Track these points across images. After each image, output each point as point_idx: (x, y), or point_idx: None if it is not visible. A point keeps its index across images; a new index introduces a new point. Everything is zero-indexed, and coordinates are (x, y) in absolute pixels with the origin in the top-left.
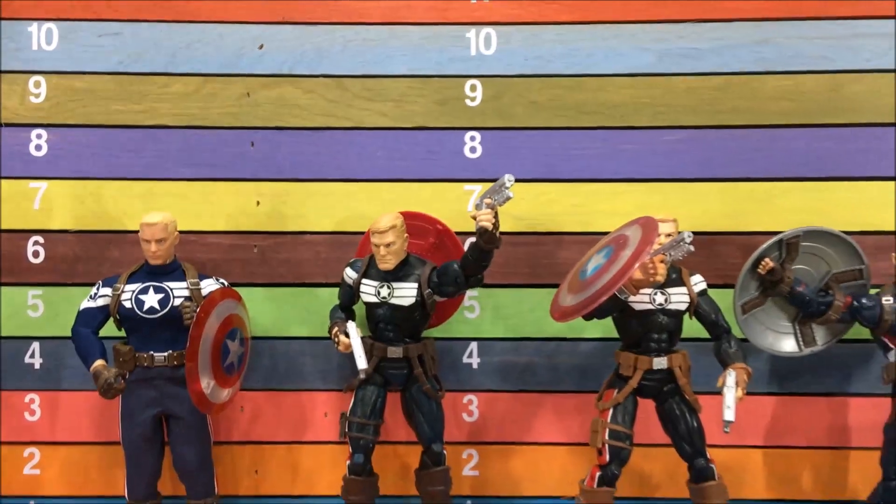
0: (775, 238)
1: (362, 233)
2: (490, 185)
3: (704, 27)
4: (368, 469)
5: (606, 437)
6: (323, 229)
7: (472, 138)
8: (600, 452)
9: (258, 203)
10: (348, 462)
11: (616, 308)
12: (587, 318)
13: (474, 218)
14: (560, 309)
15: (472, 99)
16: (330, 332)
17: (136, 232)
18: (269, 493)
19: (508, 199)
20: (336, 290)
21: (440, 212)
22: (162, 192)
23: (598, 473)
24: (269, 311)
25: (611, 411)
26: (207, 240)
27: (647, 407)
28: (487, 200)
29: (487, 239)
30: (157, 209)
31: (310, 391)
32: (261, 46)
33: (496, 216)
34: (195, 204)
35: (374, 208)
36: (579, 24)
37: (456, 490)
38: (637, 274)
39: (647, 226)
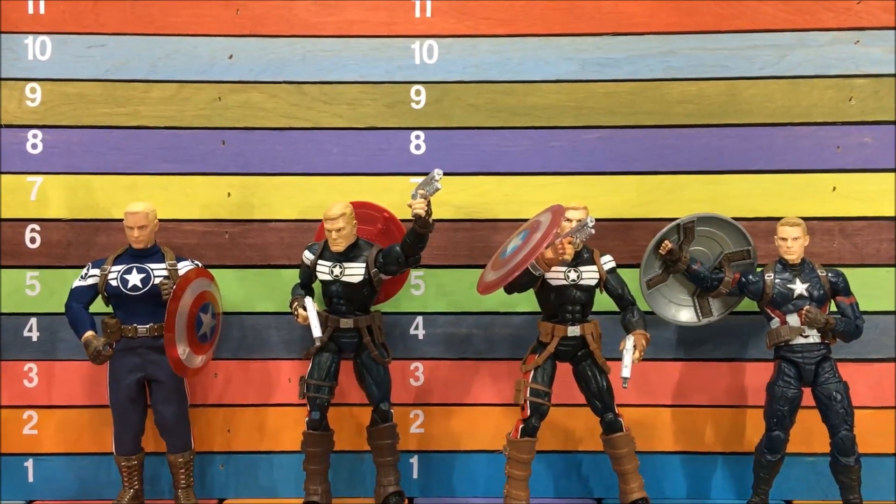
0: (673, 223)
1: (320, 220)
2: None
3: (619, 39)
4: (324, 425)
5: (528, 395)
6: (286, 217)
7: (417, 137)
8: (523, 408)
9: (229, 194)
10: (307, 419)
11: (532, 282)
12: (509, 291)
13: (410, 206)
14: (483, 283)
15: (417, 102)
16: (291, 306)
17: (122, 220)
18: (240, 450)
19: (437, 189)
20: (297, 270)
21: (389, 202)
22: (144, 185)
23: (521, 426)
24: (238, 290)
25: (532, 372)
26: (184, 227)
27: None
28: (421, 191)
29: (421, 224)
30: (139, 200)
31: (275, 360)
32: (230, 56)
33: (428, 204)
34: (173, 195)
35: (330, 199)
36: (511, 37)
37: (404, 445)
38: (548, 253)
39: (557, 212)
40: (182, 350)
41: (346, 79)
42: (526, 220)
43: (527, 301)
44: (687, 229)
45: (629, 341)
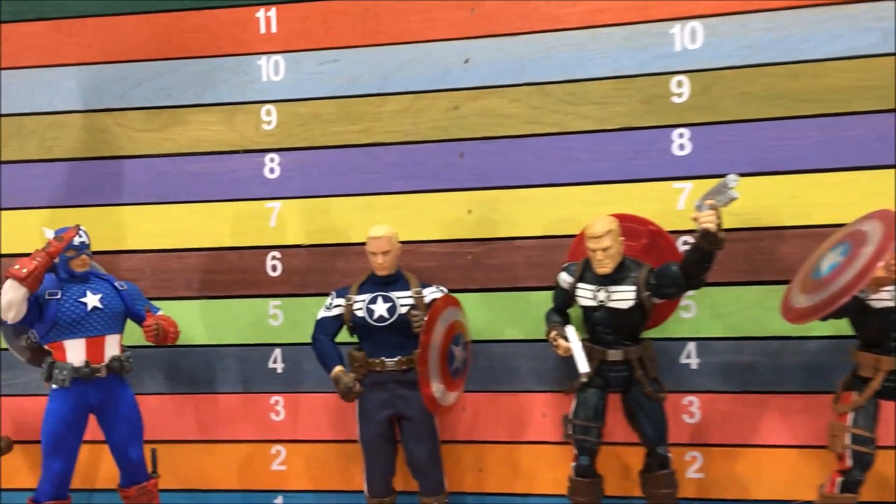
0: None
1: (571, 236)
2: (713, 184)
3: None
4: (594, 471)
5: (848, 442)
6: (532, 234)
7: (681, 135)
8: (841, 458)
9: (469, 211)
10: (573, 464)
11: (856, 308)
12: (823, 318)
13: (695, 220)
14: (794, 310)
15: (679, 95)
16: (548, 335)
17: (360, 244)
18: (493, 491)
19: (733, 199)
20: (548, 293)
21: (649, 211)
22: (380, 206)
23: (839, 479)
24: (484, 315)
25: (851, 415)
26: (424, 249)
27: (888, 408)
28: (709, 201)
29: (710, 241)
30: (376, 222)
31: (526, 392)
32: (466, 61)
33: (719, 217)
34: (411, 215)
35: (581, 211)
36: (791, 10)
37: (681, 492)
38: (879, 272)
39: (887, 220)
40: (436, 387)
41: (595, 75)
42: (819, 226)
43: (826, 323)
44: None
45: None
